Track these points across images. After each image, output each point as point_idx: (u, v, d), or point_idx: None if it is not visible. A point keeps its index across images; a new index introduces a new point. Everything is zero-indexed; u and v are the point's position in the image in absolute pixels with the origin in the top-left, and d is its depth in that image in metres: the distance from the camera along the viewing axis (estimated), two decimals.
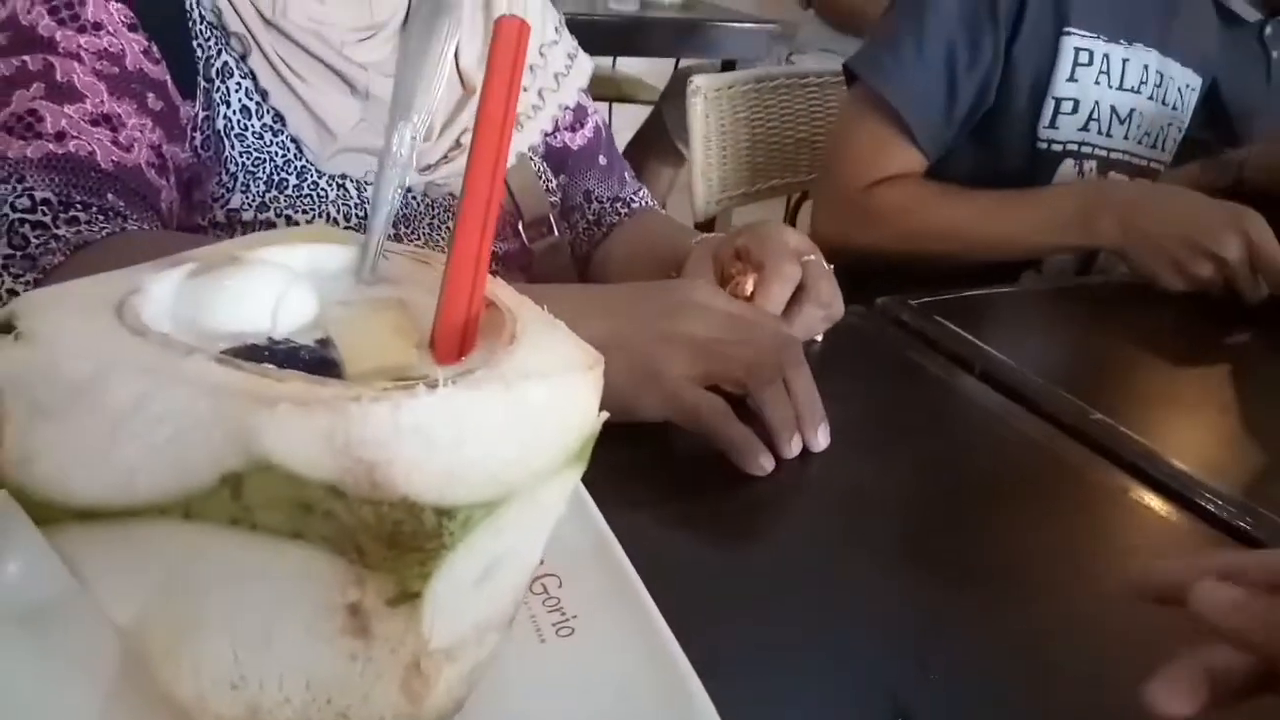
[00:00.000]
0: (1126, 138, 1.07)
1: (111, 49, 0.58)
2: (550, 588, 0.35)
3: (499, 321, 0.27)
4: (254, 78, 0.63)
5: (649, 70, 2.74)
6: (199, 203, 0.63)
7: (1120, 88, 1.04)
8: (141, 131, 0.58)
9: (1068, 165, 1.05)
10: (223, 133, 0.63)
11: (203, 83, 0.62)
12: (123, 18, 0.59)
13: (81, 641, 0.28)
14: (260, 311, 0.26)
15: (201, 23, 0.62)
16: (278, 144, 0.64)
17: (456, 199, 0.72)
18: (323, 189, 0.66)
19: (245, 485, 0.21)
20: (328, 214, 0.66)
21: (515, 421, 0.24)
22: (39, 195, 0.53)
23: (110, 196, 0.56)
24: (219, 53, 0.63)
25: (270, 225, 0.64)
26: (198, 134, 0.62)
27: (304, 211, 0.65)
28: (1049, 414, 0.61)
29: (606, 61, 2.63)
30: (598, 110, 0.87)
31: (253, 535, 0.21)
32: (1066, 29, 1.01)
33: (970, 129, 1.04)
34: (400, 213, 0.70)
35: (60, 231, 0.52)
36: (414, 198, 0.71)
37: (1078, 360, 0.78)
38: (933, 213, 0.98)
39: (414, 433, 0.21)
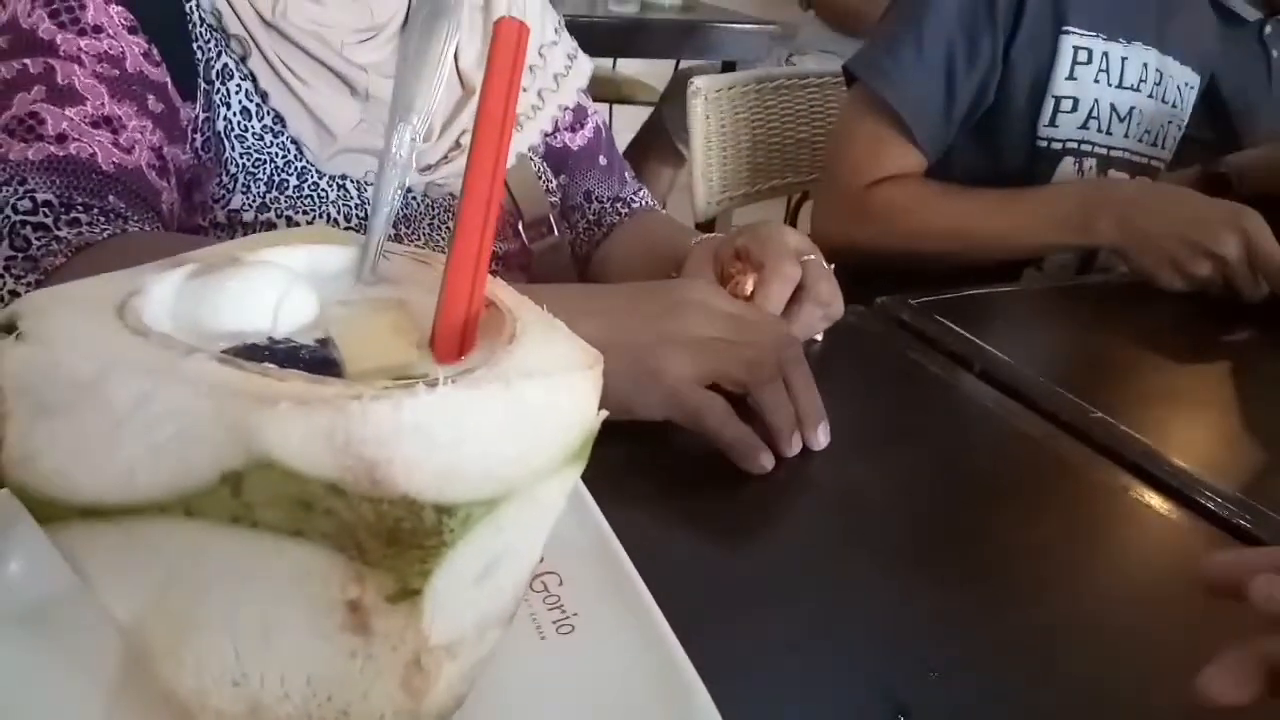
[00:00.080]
0: (1126, 136, 1.07)
1: (112, 52, 0.59)
2: (550, 585, 0.35)
3: (499, 321, 0.27)
4: (254, 79, 0.64)
5: (649, 71, 2.74)
6: (200, 204, 0.63)
7: (1120, 86, 1.04)
8: (142, 133, 0.59)
9: (1068, 163, 1.05)
10: (223, 134, 0.63)
11: (203, 85, 0.62)
12: (123, 20, 0.59)
13: (83, 639, 0.28)
14: (261, 311, 0.26)
15: (201, 25, 0.62)
16: (278, 145, 0.64)
17: (456, 199, 0.72)
18: (323, 190, 0.66)
19: (246, 483, 0.21)
20: (328, 215, 0.66)
21: (515, 420, 0.24)
22: (40, 197, 0.53)
23: (111, 198, 0.56)
24: (219, 55, 0.63)
25: (271, 226, 0.64)
26: (198, 135, 0.63)
27: (304, 212, 0.65)
28: (1049, 413, 0.61)
29: (607, 63, 2.64)
30: (598, 111, 0.87)
31: (253, 533, 0.22)
32: (1065, 28, 1.01)
33: (970, 128, 1.04)
34: (400, 213, 0.70)
35: (62, 233, 0.53)
36: (414, 198, 0.71)
37: (1077, 359, 0.78)
38: (933, 212, 0.99)
39: (414, 431, 0.21)
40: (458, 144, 0.71)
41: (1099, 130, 1.05)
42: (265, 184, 0.64)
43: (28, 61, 0.57)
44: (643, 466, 0.49)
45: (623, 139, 2.20)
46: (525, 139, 0.78)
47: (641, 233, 0.83)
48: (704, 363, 0.50)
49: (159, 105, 0.60)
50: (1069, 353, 0.79)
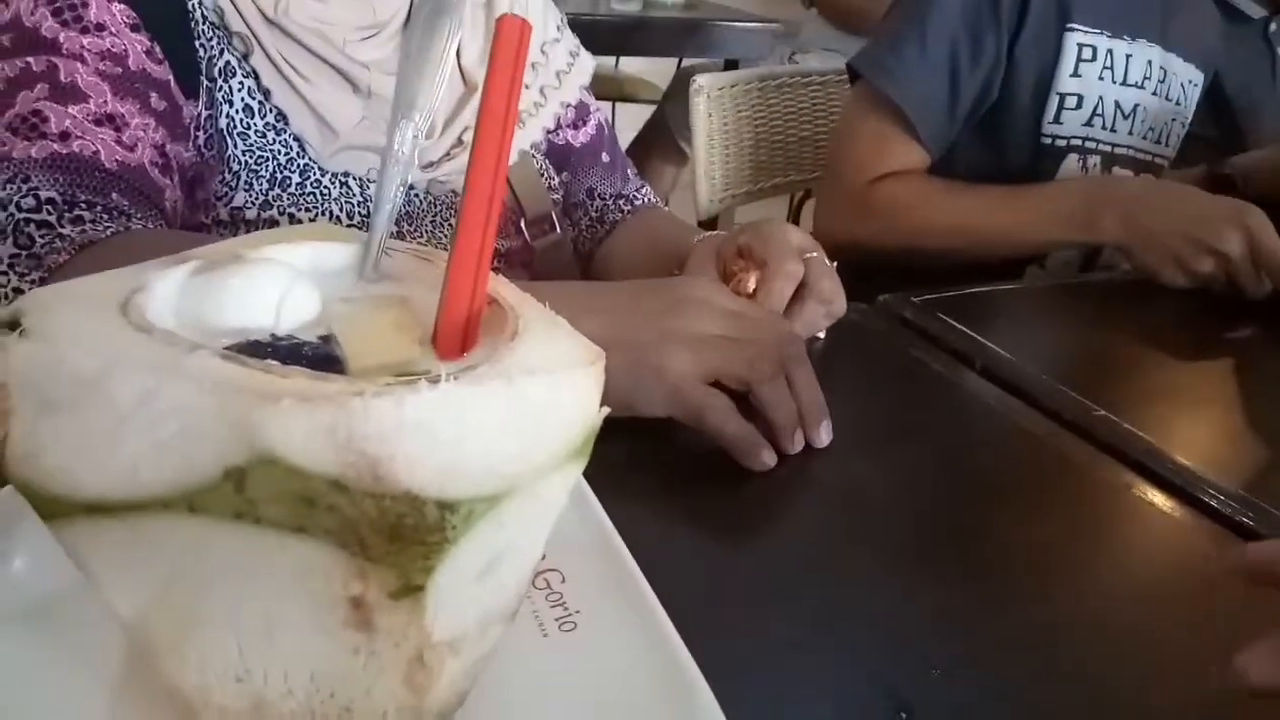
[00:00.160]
0: (1130, 133, 1.07)
1: (114, 49, 0.59)
2: (553, 582, 0.35)
3: (501, 318, 0.27)
4: (256, 77, 0.64)
5: (652, 70, 2.74)
6: (202, 201, 0.63)
7: (1124, 83, 1.04)
8: (145, 131, 0.59)
9: (1071, 160, 1.05)
10: (225, 132, 0.63)
11: (205, 82, 0.63)
12: (125, 18, 0.59)
13: (87, 635, 0.28)
14: (264, 308, 0.26)
15: (204, 23, 0.63)
16: (280, 142, 0.65)
17: (458, 196, 0.72)
18: (325, 187, 0.66)
19: (249, 479, 0.21)
20: (330, 212, 0.66)
21: (517, 417, 0.24)
22: (44, 195, 0.53)
23: (115, 196, 0.56)
24: (221, 52, 0.63)
25: (273, 223, 0.64)
26: (201, 133, 0.63)
27: (307, 209, 0.65)
28: (1051, 410, 0.61)
29: (609, 61, 2.63)
30: (600, 108, 0.87)
31: (256, 529, 0.22)
32: (1070, 25, 1.01)
33: (974, 124, 1.04)
34: (403, 210, 0.70)
35: (65, 230, 0.53)
36: (416, 195, 0.71)
37: (1080, 356, 0.78)
38: (936, 208, 0.98)
39: (417, 427, 0.21)
40: (460, 141, 0.71)
41: (1103, 127, 1.05)
42: (268, 181, 0.64)
43: (31, 59, 0.57)
44: (645, 464, 0.49)
45: (625, 137, 2.20)
46: (528, 136, 0.78)
47: (644, 230, 0.83)
48: (706, 360, 0.50)
49: (161, 103, 0.60)
50: (1072, 350, 0.79)
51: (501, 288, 0.29)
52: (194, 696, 0.25)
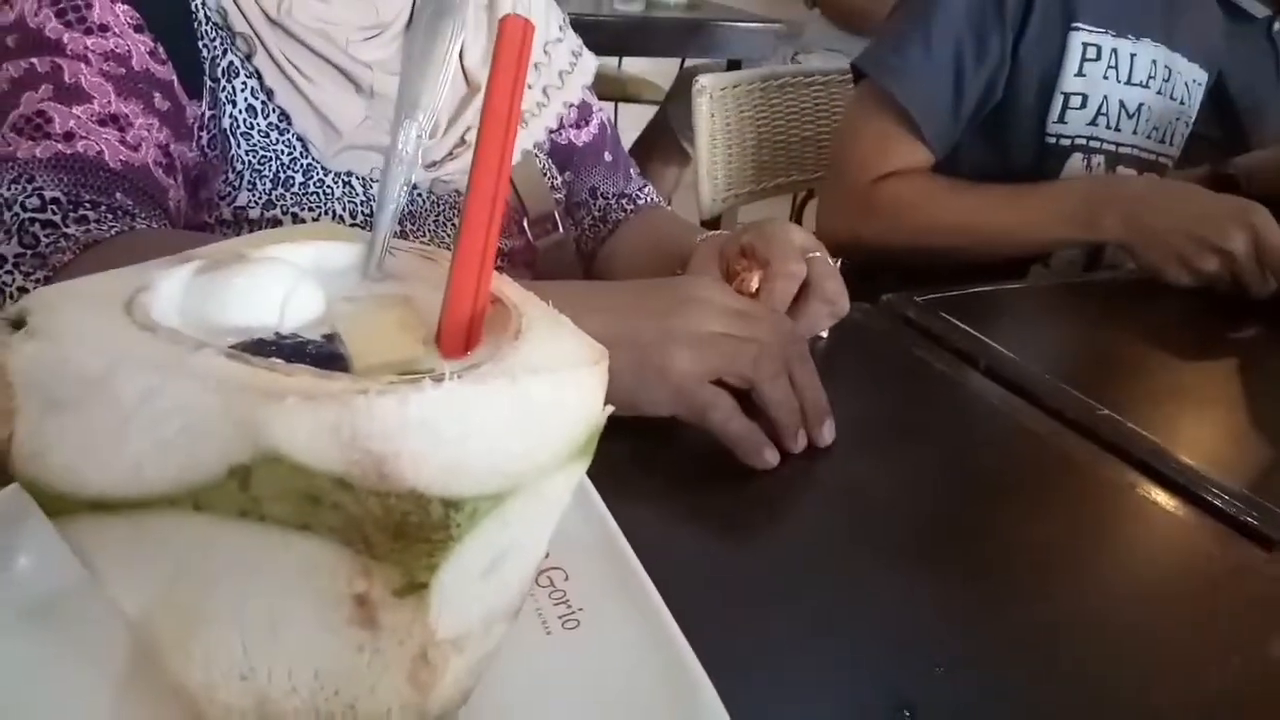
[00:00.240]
0: (1135, 132, 1.07)
1: (118, 50, 0.59)
2: (556, 581, 0.35)
3: (504, 317, 0.27)
4: (259, 77, 0.64)
5: (654, 70, 2.74)
6: (206, 201, 0.63)
7: (1129, 82, 1.04)
8: (149, 131, 0.59)
9: (1076, 160, 1.05)
10: (229, 131, 0.63)
11: (209, 82, 0.63)
12: (129, 19, 0.60)
13: (92, 633, 0.29)
14: (268, 307, 0.27)
15: (207, 23, 0.63)
16: (284, 142, 0.65)
17: (462, 196, 0.72)
18: (329, 186, 0.66)
19: (253, 477, 0.21)
20: (334, 211, 0.66)
21: (521, 416, 0.24)
22: (48, 195, 0.53)
23: (119, 195, 0.56)
24: (224, 52, 0.63)
25: (277, 222, 0.64)
26: (204, 133, 0.63)
27: (310, 209, 0.65)
28: (1055, 410, 0.61)
29: (612, 61, 2.63)
30: (602, 108, 0.87)
31: (261, 527, 0.22)
32: (1074, 24, 1.01)
33: (978, 124, 1.04)
34: (406, 210, 0.70)
35: (70, 230, 0.53)
36: (419, 195, 0.71)
37: (1084, 356, 0.78)
38: (939, 207, 0.98)
39: (421, 426, 0.22)
40: (463, 140, 0.71)
41: (1108, 127, 1.05)
42: (271, 181, 0.64)
43: (35, 60, 0.57)
44: (648, 463, 0.49)
45: (628, 137, 2.20)
46: (530, 136, 0.78)
47: (647, 230, 0.83)
48: (710, 359, 0.50)
49: (165, 103, 0.60)
50: (1075, 350, 0.79)
51: (505, 287, 0.29)
52: (199, 694, 0.25)
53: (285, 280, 0.27)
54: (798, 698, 0.36)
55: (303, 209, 0.65)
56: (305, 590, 0.23)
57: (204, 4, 0.62)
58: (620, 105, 2.57)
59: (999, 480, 0.55)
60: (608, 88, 2.44)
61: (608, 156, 0.85)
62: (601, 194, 0.85)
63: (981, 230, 0.96)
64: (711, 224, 1.35)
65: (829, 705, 0.37)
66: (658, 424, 0.50)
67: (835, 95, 1.46)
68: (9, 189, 0.54)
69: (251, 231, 0.63)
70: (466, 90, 0.73)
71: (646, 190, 0.88)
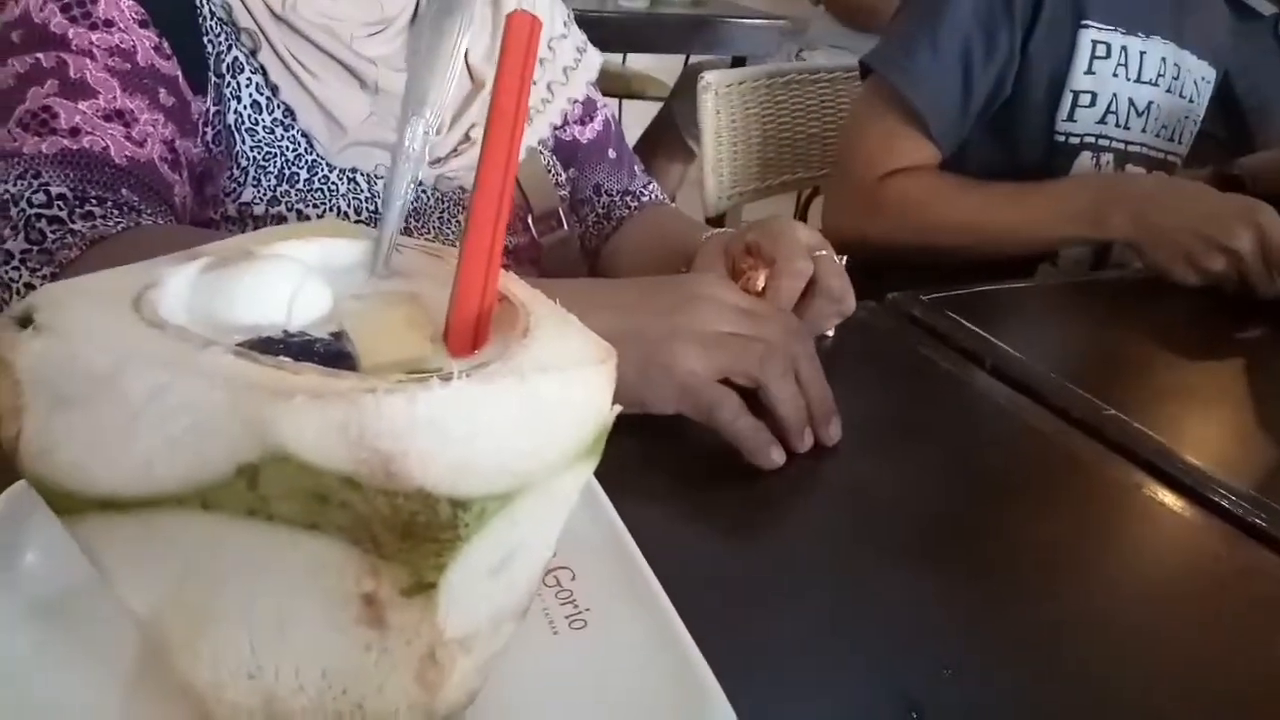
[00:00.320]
0: (1144, 130, 1.06)
1: (123, 45, 0.59)
2: (563, 580, 0.35)
3: (512, 315, 0.27)
4: (264, 73, 0.64)
5: (659, 66, 2.74)
6: (211, 197, 0.63)
7: (1139, 80, 1.04)
8: (154, 127, 0.59)
9: (1085, 158, 1.05)
10: (234, 127, 0.63)
11: (213, 78, 0.63)
12: (134, 14, 0.60)
13: (100, 631, 0.28)
14: (275, 305, 0.26)
15: (212, 19, 0.63)
16: (288, 138, 0.65)
17: (466, 192, 0.72)
18: (333, 183, 0.66)
19: (262, 476, 0.21)
20: (338, 208, 0.66)
21: (529, 414, 0.24)
22: (54, 190, 0.53)
23: (125, 191, 0.56)
24: (229, 48, 0.63)
25: (281, 219, 0.64)
26: (209, 129, 0.63)
27: (315, 205, 0.65)
28: (1061, 409, 0.61)
29: (616, 58, 2.63)
30: (607, 104, 0.87)
31: (269, 526, 0.22)
32: (1084, 21, 1.00)
33: (987, 122, 1.03)
34: (410, 207, 0.70)
35: (76, 226, 0.53)
36: (424, 191, 0.71)
37: (1090, 355, 0.77)
38: (945, 204, 0.98)
39: (429, 425, 0.21)
40: (467, 137, 0.71)
41: (1117, 125, 1.04)
42: (276, 177, 0.64)
43: (40, 55, 0.57)
44: (654, 461, 0.49)
45: (632, 134, 2.20)
46: (535, 132, 0.78)
47: (651, 227, 0.83)
48: (716, 357, 0.50)
49: (170, 99, 0.60)
50: (1082, 349, 0.79)
51: (512, 285, 0.29)
52: (206, 693, 0.25)
53: (292, 278, 0.27)
54: (805, 698, 0.36)
55: (307, 205, 0.65)
56: (313, 589, 0.23)
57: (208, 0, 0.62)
58: (624, 102, 2.57)
59: (1005, 480, 0.55)
60: (612, 84, 2.44)
61: (612, 153, 0.85)
62: (606, 191, 0.84)
63: (988, 228, 0.96)
64: (716, 221, 1.34)
65: (837, 706, 0.36)
66: (664, 423, 0.50)
67: (841, 92, 1.46)
68: (15, 185, 0.53)
69: (256, 228, 0.63)
70: (471, 86, 0.73)
71: (651, 187, 0.88)
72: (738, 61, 2.20)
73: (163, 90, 0.60)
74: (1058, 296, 0.92)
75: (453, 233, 0.72)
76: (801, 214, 1.90)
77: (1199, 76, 1.10)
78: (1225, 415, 0.70)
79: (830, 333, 0.64)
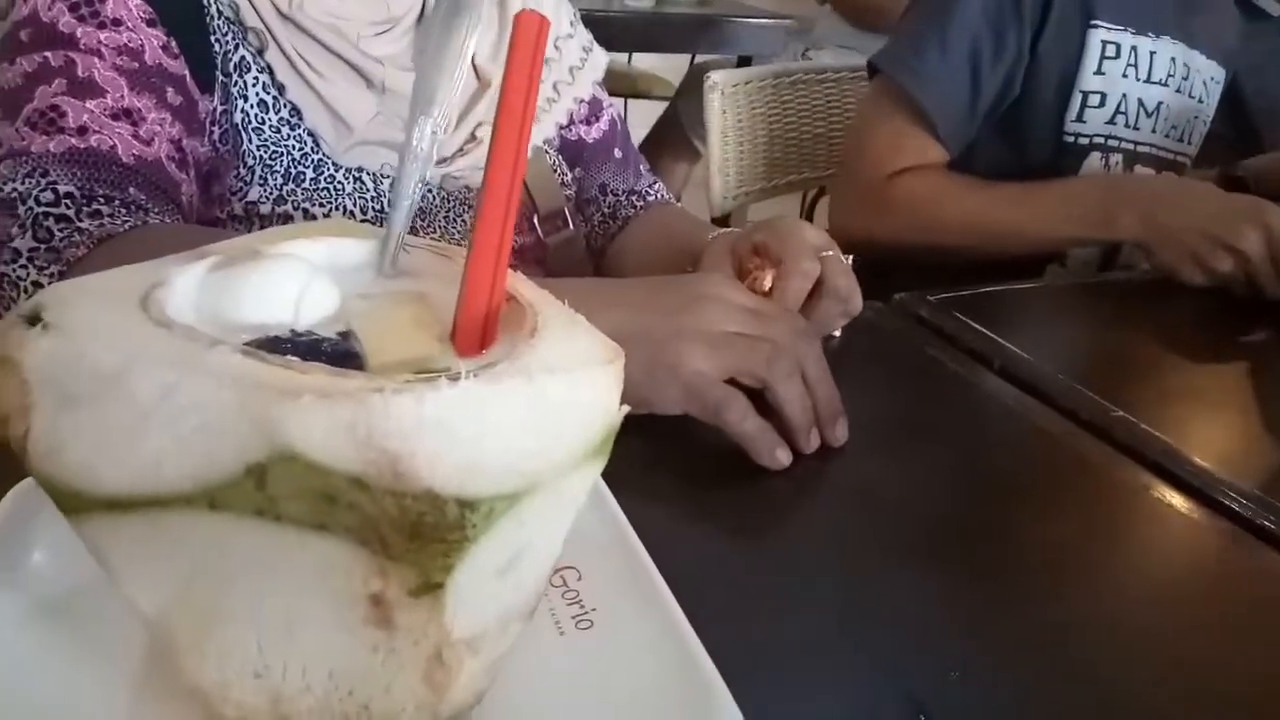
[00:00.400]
0: (1154, 131, 1.06)
1: (131, 44, 0.59)
2: (569, 580, 0.35)
3: (520, 315, 0.27)
4: (271, 72, 0.64)
5: (665, 66, 2.74)
6: (217, 196, 0.63)
7: (1148, 80, 1.03)
8: (161, 125, 0.59)
9: (1094, 158, 1.04)
10: (240, 126, 0.63)
11: (220, 77, 0.63)
12: (141, 14, 0.60)
13: (107, 631, 0.28)
14: (283, 304, 0.26)
15: (219, 18, 0.63)
16: (295, 137, 0.65)
17: (472, 192, 0.72)
18: (340, 182, 0.66)
19: (269, 476, 0.21)
20: (344, 207, 0.66)
21: (537, 414, 0.24)
22: (62, 189, 0.54)
23: (132, 190, 0.56)
24: (236, 47, 0.63)
25: (288, 218, 0.64)
26: (216, 128, 0.63)
27: (321, 204, 0.65)
28: (1069, 410, 0.61)
29: (622, 57, 2.63)
30: (613, 104, 0.87)
31: (277, 526, 0.22)
32: (1094, 21, 1.00)
33: (996, 122, 1.03)
34: (417, 206, 0.70)
35: (83, 224, 0.53)
36: (430, 191, 0.71)
37: (1098, 356, 0.77)
38: (952, 204, 0.98)
39: (436, 425, 0.21)
40: (473, 137, 0.71)
41: (1126, 125, 1.04)
42: (282, 176, 0.64)
43: (48, 54, 0.57)
44: (660, 462, 0.49)
45: (638, 134, 2.19)
46: (541, 132, 0.77)
47: (657, 226, 0.83)
48: (722, 357, 0.50)
49: (178, 98, 0.60)
50: (1089, 350, 0.79)
51: (520, 284, 0.29)
52: (213, 692, 0.25)
53: (300, 277, 0.27)
54: (812, 699, 0.36)
55: (313, 205, 0.65)
56: (321, 590, 0.23)
57: None
58: (630, 101, 2.57)
59: (1012, 481, 0.55)
60: (618, 84, 2.44)
61: (618, 153, 0.85)
62: (611, 190, 0.84)
63: (995, 228, 0.96)
64: (722, 221, 1.34)
65: (843, 708, 0.36)
66: (670, 423, 0.49)
67: (847, 92, 1.45)
68: (23, 183, 0.54)
69: (262, 227, 0.63)
70: (477, 86, 0.73)
71: (656, 187, 0.88)
72: (744, 61, 2.20)
73: (170, 89, 0.60)
74: (1066, 297, 0.92)
75: (458, 232, 0.72)
76: (807, 214, 1.89)
77: (1208, 77, 1.10)
78: (1233, 417, 0.69)
79: (837, 333, 0.64)
